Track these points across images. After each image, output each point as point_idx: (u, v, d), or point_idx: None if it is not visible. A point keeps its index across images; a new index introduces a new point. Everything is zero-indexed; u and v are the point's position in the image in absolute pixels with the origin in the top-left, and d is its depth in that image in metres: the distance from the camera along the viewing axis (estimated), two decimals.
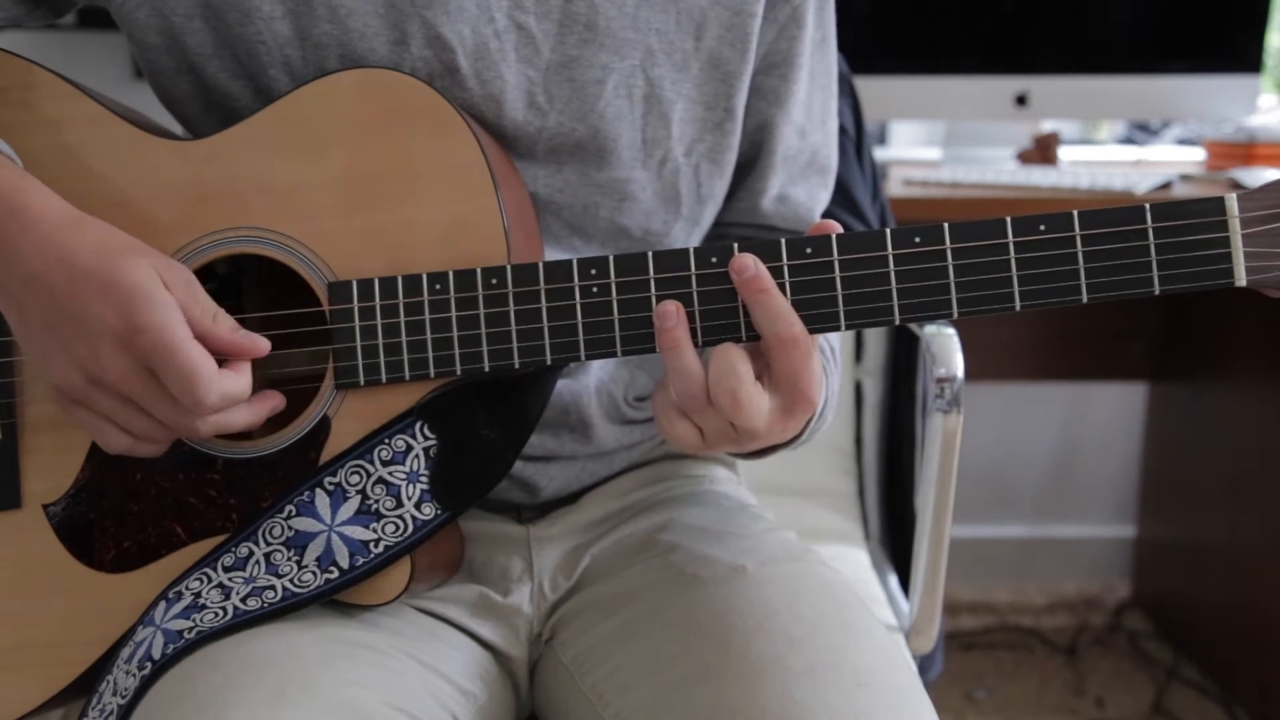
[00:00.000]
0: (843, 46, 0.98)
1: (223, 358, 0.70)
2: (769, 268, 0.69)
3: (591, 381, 0.88)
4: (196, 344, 0.67)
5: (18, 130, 0.77)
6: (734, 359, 0.67)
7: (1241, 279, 0.68)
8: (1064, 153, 1.94)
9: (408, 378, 0.73)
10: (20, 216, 0.69)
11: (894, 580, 1.36)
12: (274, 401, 0.74)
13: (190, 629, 0.71)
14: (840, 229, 0.70)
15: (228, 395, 0.69)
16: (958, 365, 1.11)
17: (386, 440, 0.74)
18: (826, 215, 0.96)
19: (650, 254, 0.71)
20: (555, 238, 0.84)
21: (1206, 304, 1.99)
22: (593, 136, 0.81)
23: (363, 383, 0.73)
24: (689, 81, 0.83)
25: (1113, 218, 0.68)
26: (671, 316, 0.69)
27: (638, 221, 0.85)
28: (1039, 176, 1.68)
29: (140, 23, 0.78)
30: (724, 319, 0.70)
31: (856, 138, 1.40)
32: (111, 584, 0.76)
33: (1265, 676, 1.86)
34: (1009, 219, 0.69)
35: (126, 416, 0.70)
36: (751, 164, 0.90)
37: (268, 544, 0.74)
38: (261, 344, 0.71)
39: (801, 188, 0.92)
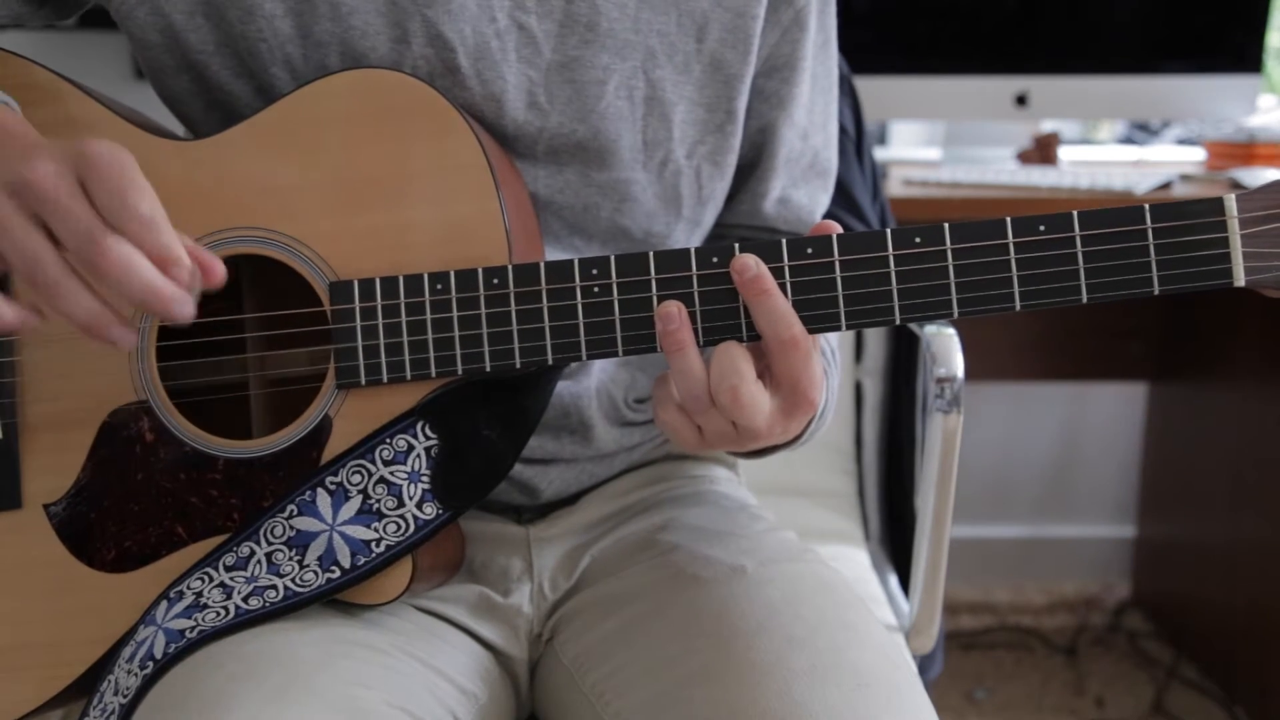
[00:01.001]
0: (843, 46, 0.98)
1: None
2: (770, 268, 0.69)
3: (592, 383, 0.88)
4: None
5: None
6: (736, 357, 0.67)
7: (1240, 279, 0.68)
8: (1064, 153, 1.94)
9: (409, 378, 0.73)
10: None
11: (894, 580, 1.36)
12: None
13: (192, 628, 0.71)
14: (840, 229, 0.71)
15: (157, 218, 0.61)
16: (958, 365, 1.11)
17: (388, 440, 0.74)
18: (827, 216, 0.96)
19: (651, 254, 0.71)
20: (555, 238, 0.84)
21: (1206, 304, 1.99)
22: (593, 137, 0.82)
23: (364, 382, 0.74)
24: (690, 83, 0.83)
25: (1112, 218, 0.68)
26: (675, 318, 0.69)
27: (639, 223, 0.86)
28: (1039, 176, 1.68)
29: (140, 21, 0.78)
30: (725, 319, 0.70)
31: (856, 138, 1.40)
32: (112, 584, 0.76)
33: (1265, 676, 1.86)
34: (1009, 219, 0.69)
35: (25, 233, 0.62)
36: (753, 166, 0.90)
37: (269, 543, 0.74)
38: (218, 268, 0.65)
39: (803, 190, 0.92)
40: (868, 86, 1.50)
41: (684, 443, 0.71)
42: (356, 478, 0.74)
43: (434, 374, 0.73)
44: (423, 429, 0.74)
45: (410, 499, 0.73)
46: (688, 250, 0.70)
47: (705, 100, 0.84)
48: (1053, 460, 2.30)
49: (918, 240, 0.69)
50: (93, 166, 0.60)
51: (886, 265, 0.69)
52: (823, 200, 0.95)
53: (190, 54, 0.79)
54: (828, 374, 0.80)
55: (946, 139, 2.03)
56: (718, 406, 0.68)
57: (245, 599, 0.73)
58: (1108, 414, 2.27)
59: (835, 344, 0.90)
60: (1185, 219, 0.68)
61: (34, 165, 0.60)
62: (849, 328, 0.70)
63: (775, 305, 0.68)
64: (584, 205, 0.84)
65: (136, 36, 0.79)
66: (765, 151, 0.89)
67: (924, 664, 1.25)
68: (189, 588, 0.74)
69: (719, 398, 0.68)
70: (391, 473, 0.73)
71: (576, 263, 0.71)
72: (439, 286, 0.72)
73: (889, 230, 0.69)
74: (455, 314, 0.72)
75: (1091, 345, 2.14)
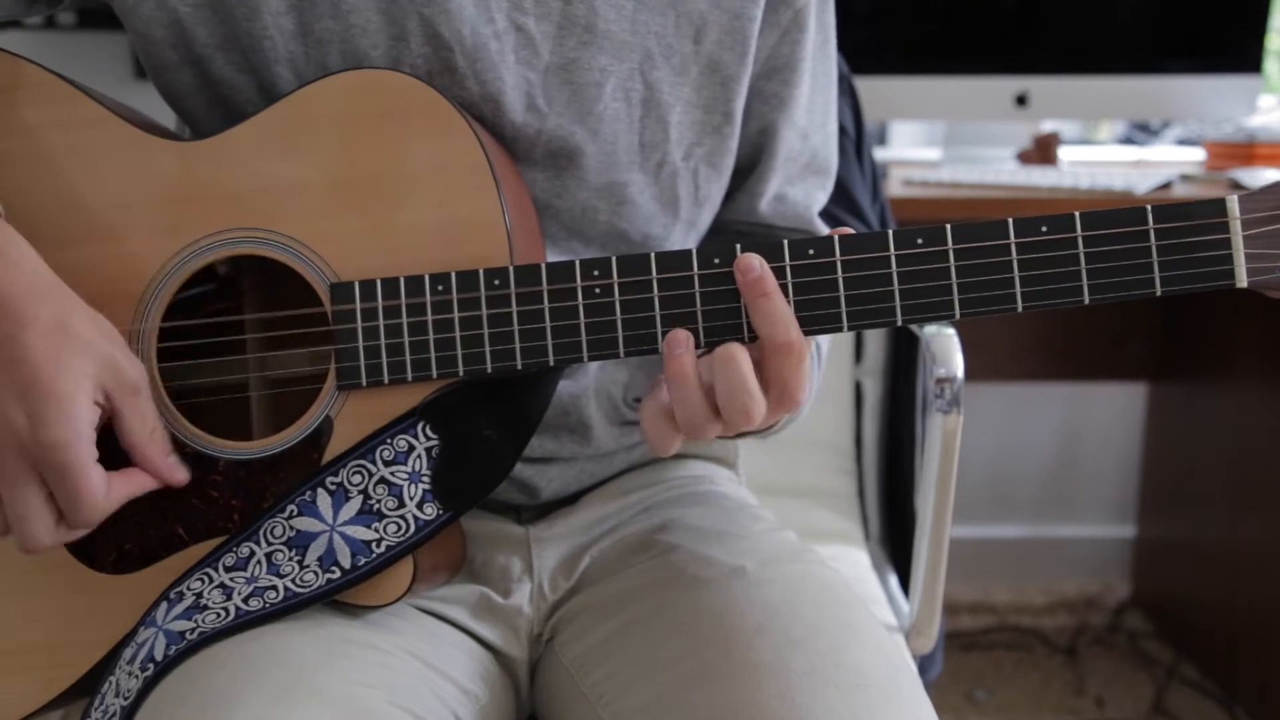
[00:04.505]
0: (843, 46, 0.98)
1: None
2: (771, 268, 0.69)
3: (591, 383, 0.88)
4: (93, 467, 0.68)
5: (17, 132, 0.76)
6: (745, 373, 0.68)
7: (1242, 280, 0.68)
8: (1064, 153, 1.94)
9: (410, 378, 0.73)
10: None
11: (894, 580, 1.36)
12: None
13: (192, 629, 0.71)
14: (851, 231, 0.71)
15: (101, 518, 0.70)
16: (958, 365, 1.11)
17: (389, 440, 0.74)
18: (826, 216, 0.96)
19: (653, 255, 0.71)
20: (554, 241, 0.84)
21: (1207, 304, 1.99)
22: (590, 139, 0.81)
23: (365, 383, 0.73)
24: (688, 85, 0.83)
25: (1114, 219, 0.68)
26: (682, 343, 0.69)
27: (636, 226, 0.85)
28: (1039, 176, 1.68)
29: (145, 16, 0.78)
30: (726, 319, 0.70)
31: (856, 138, 1.40)
32: (113, 585, 0.76)
33: (1265, 676, 1.86)
34: (1011, 220, 0.69)
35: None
36: (752, 166, 0.90)
37: (269, 544, 0.74)
38: (180, 476, 0.73)
39: (799, 187, 0.92)
40: (868, 86, 1.50)
41: (661, 449, 0.72)
42: (357, 478, 0.74)
43: (435, 375, 0.73)
44: (423, 429, 0.74)
45: (411, 499, 0.73)
46: (689, 250, 0.70)
47: (703, 102, 0.84)
48: (1052, 460, 2.30)
49: (919, 241, 0.69)
50: (47, 469, 0.67)
51: (888, 266, 0.69)
52: (819, 197, 0.94)
53: (194, 49, 0.79)
54: (813, 371, 0.81)
55: (946, 139, 2.03)
56: (724, 419, 0.69)
57: (245, 600, 0.72)
58: (1107, 414, 2.27)
59: (824, 343, 0.90)
60: (1187, 220, 0.68)
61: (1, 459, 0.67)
62: (850, 328, 0.70)
63: (775, 308, 0.68)
64: (582, 209, 0.84)
65: (141, 31, 0.79)
66: (765, 152, 0.89)
67: (924, 664, 1.25)
68: (189, 589, 0.74)
69: (729, 414, 0.68)
70: (392, 473, 0.73)
71: (578, 263, 0.71)
72: (440, 287, 0.72)
73: (891, 231, 0.69)
74: (456, 315, 0.72)
75: (1091, 345, 2.15)
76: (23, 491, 0.67)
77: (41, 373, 0.66)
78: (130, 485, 0.71)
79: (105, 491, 0.68)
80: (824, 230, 0.94)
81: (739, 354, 0.68)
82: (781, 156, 0.89)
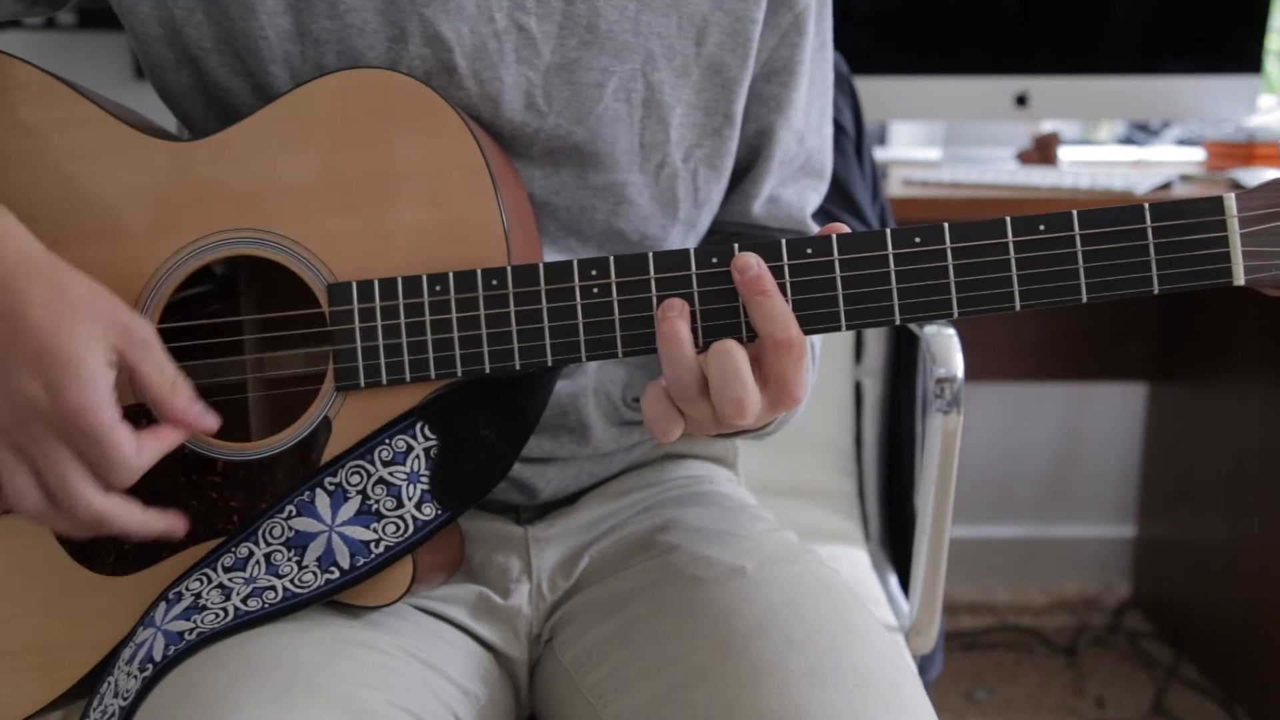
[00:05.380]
0: (843, 46, 0.98)
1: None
2: (770, 267, 0.69)
3: (589, 383, 0.88)
4: (120, 427, 0.67)
5: (13, 133, 0.76)
6: (740, 367, 0.67)
7: (1240, 278, 0.68)
8: (1064, 153, 1.94)
9: (408, 379, 0.73)
10: None
11: (894, 580, 1.36)
12: (174, 523, 0.73)
13: (191, 630, 0.71)
14: (847, 230, 0.71)
15: (136, 477, 0.69)
16: (958, 365, 1.11)
17: (387, 441, 0.74)
18: (827, 216, 0.96)
19: (651, 254, 0.71)
20: (551, 239, 0.84)
21: (1206, 303, 1.99)
22: (591, 140, 0.81)
23: (363, 384, 0.73)
24: (689, 86, 0.83)
25: (1112, 217, 0.68)
26: (674, 306, 0.69)
27: (634, 225, 0.85)
28: (1039, 176, 1.68)
29: (142, 14, 0.78)
30: (725, 319, 0.70)
31: (856, 138, 1.40)
32: (112, 586, 0.76)
33: (1265, 676, 1.86)
34: (1009, 219, 0.69)
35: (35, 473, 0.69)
36: (748, 168, 0.90)
37: (268, 544, 0.74)
38: (211, 422, 0.72)
39: (792, 189, 0.92)
40: (868, 86, 1.50)
41: (661, 433, 0.71)
42: (355, 478, 0.74)
43: (433, 375, 0.73)
44: (422, 430, 0.74)
45: (409, 500, 0.73)
46: (687, 250, 0.70)
47: (703, 103, 0.84)
48: (1052, 460, 2.30)
49: (917, 240, 0.69)
50: (73, 435, 0.66)
51: (886, 265, 0.69)
52: (812, 198, 0.95)
53: (190, 49, 0.79)
54: (810, 369, 0.81)
55: (946, 139, 2.03)
56: (718, 415, 0.68)
57: (244, 600, 0.72)
58: (1107, 414, 2.27)
59: (818, 341, 0.89)
60: (1185, 218, 0.68)
61: (29, 430, 0.67)
62: (849, 328, 0.70)
63: (773, 306, 0.68)
64: (580, 207, 0.84)
65: (138, 30, 0.79)
66: (761, 154, 0.89)
67: (924, 664, 1.25)
68: (188, 589, 0.74)
69: (722, 406, 0.68)
70: (390, 473, 0.73)
71: (576, 263, 0.71)
72: (438, 288, 0.72)
73: (888, 230, 0.69)
74: (454, 315, 0.72)
75: (1091, 345, 2.15)
76: (56, 460, 0.67)
77: (50, 342, 0.66)
78: (161, 441, 0.70)
79: (136, 449, 0.68)
80: (816, 231, 0.93)
81: (734, 348, 0.68)
82: (777, 159, 0.89)
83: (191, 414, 0.71)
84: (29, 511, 0.69)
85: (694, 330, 0.70)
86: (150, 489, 0.76)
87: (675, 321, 0.69)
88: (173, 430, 0.71)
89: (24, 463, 0.68)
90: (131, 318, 0.69)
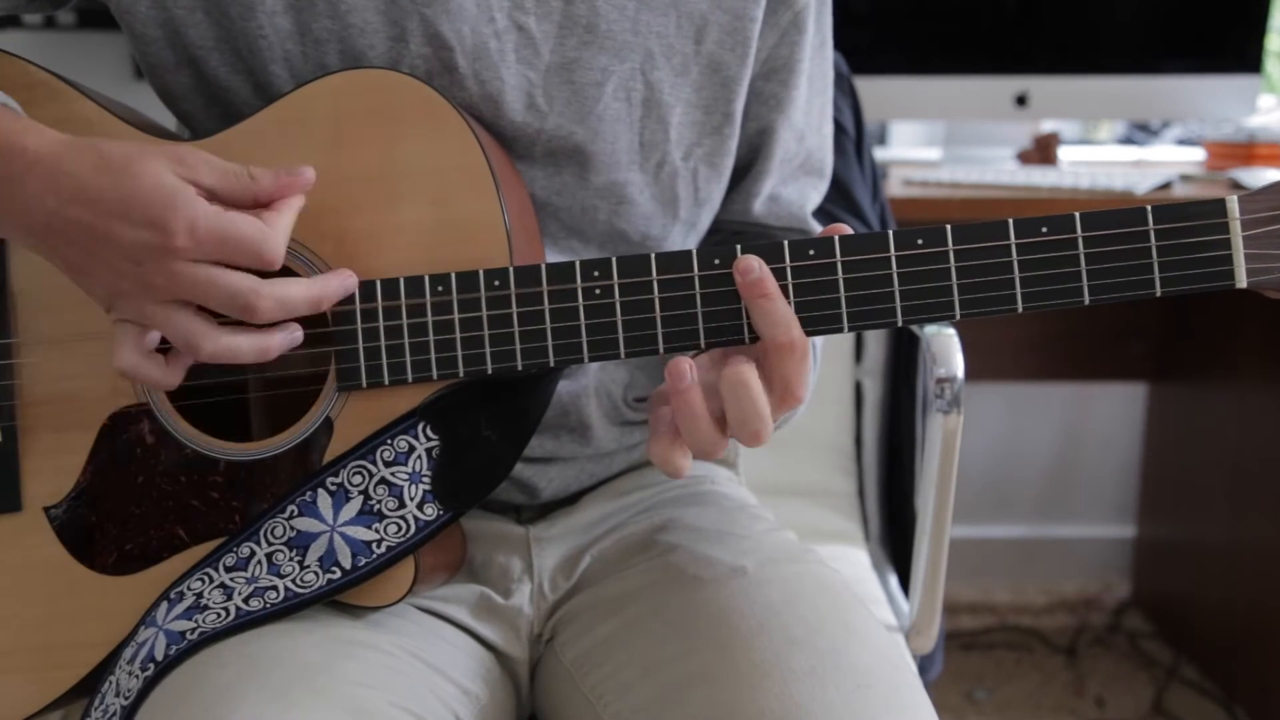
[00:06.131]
0: (843, 46, 0.98)
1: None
2: (772, 268, 0.69)
3: (590, 382, 0.88)
4: (234, 213, 0.66)
5: None
6: (757, 399, 0.67)
7: (1242, 280, 0.68)
8: (1064, 153, 1.94)
9: (410, 379, 0.73)
10: (20, 158, 0.67)
11: (894, 580, 1.36)
12: (288, 336, 0.71)
13: (192, 629, 0.71)
14: (849, 230, 0.71)
15: (281, 245, 0.68)
16: (958, 365, 1.11)
17: (389, 441, 0.74)
18: (827, 216, 0.96)
19: (653, 255, 0.71)
20: (553, 239, 0.84)
21: (1207, 304, 1.99)
22: (591, 139, 0.81)
23: (365, 384, 0.73)
24: (688, 85, 0.83)
25: (1115, 219, 0.68)
26: (685, 377, 0.68)
27: (636, 226, 0.85)
28: (1039, 176, 1.68)
29: (140, 16, 0.78)
30: (727, 320, 0.70)
31: (856, 138, 1.40)
32: (113, 586, 0.76)
33: (1265, 676, 1.86)
34: (1011, 221, 0.69)
35: (180, 320, 0.68)
36: (748, 167, 0.90)
37: (270, 544, 0.74)
38: (307, 172, 0.70)
39: (793, 188, 0.92)
40: (868, 86, 1.50)
41: (672, 471, 0.70)
42: (357, 478, 0.74)
43: (435, 376, 0.73)
44: (424, 430, 0.74)
45: (411, 500, 0.73)
46: (689, 251, 0.70)
47: (703, 102, 0.84)
48: (1053, 460, 2.30)
49: (920, 242, 0.69)
50: (205, 245, 0.66)
51: (889, 267, 0.69)
52: (813, 197, 0.95)
53: (190, 49, 0.79)
54: (811, 368, 0.81)
55: (946, 139, 2.03)
56: (736, 438, 0.69)
57: (246, 600, 0.73)
58: (1108, 414, 2.27)
59: (819, 340, 0.89)
60: (1187, 220, 0.68)
61: (154, 280, 0.66)
62: (851, 329, 0.70)
63: (775, 308, 0.68)
64: (581, 208, 0.84)
65: (136, 31, 0.79)
66: (761, 153, 0.89)
67: (924, 664, 1.25)
68: (189, 588, 0.74)
69: (741, 437, 0.68)
70: (392, 474, 0.73)
71: (578, 264, 0.71)
72: (440, 288, 0.72)
73: (891, 231, 0.69)
74: (456, 316, 0.72)
75: (1091, 345, 2.15)
76: (187, 281, 0.66)
77: (124, 192, 0.65)
78: (280, 214, 0.68)
79: (261, 224, 0.67)
80: (818, 230, 0.94)
81: (749, 376, 0.67)
82: (778, 157, 0.89)
83: (283, 180, 0.69)
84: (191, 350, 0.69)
85: (696, 332, 0.70)
86: (154, 488, 0.76)
87: (690, 394, 0.68)
88: (281, 201, 0.69)
89: (151, 321, 0.68)
90: (172, 144, 0.69)
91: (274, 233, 0.67)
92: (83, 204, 0.66)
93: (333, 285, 0.71)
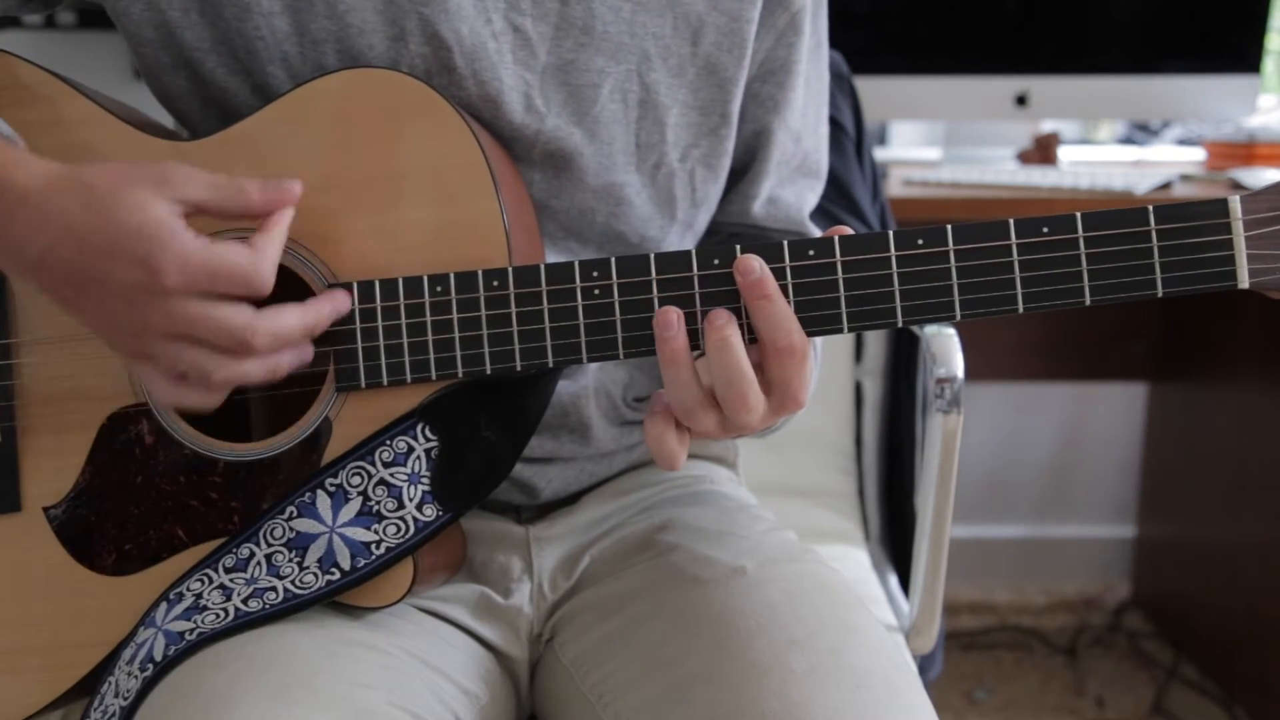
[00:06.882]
0: (843, 46, 0.98)
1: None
2: (771, 269, 0.69)
3: (590, 383, 0.88)
4: (222, 243, 0.66)
5: (15, 130, 0.76)
6: (742, 361, 0.67)
7: (1244, 281, 0.68)
8: (1064, 153, 1.94)
9: (409, 380, 0.73)
10: (8, 195, 0.66)
11: (894, 580, 1.36)
12: (300, 354, 0.72)
13: (192, 630, 0.71)
14: (850, 231, 0.70)
15: (269, 274, 0.68)
16: (958, 365, 1.11)
17: (388, 442, 0.74)
18: (826, 215, 0.96)
19: (652, 256, 0.71)
20: (551, 241, 0.84)
21: (1207, 305, 1.99)
22: (588, 140, 0.81)
23: (364, 385, 0.73)
24: (685, 86, 0.83)
25: (1116, 220, 0.68)
26: (672, 326, 0.68)
27: (633, 227, 0.85)
28: (1039, 176, 1.68)
29: (135, 18, 0.78)
30: None
31: (856, 138, 1.40)
32: (113, 587, 0.76)
33: (1265, 676, 1.86)
34: (1012, 221, 0.69)
35: (185, 354, 0.68)
36: (745, 169, 0.90)
37: (269, 545, 0.74)
38: (294, 186, 0.70)
39: (790, 189, 0.92)
40: (868, 86, 1.50)
41: (663, 457, 0.70)
42: (356, 479, 0.74)
43: (434, 376, 0.73)
44: (423, 430, 0.74)
45: (410, 501, 0.73)
46: (689, 251, 0.70)
47: (699, 103, 0.84)
48: (1053, 460, 2.30)
49: (920, 242, 0.69)
50: (197, 283, 0.65)
51: (889, 267, 0.69)
52: (810, 199, 0.95)
53: (186, 51, 0.79)
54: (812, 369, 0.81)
55: (946, 139, 2.03)
56: (723, 407, 0.68)
57: (245, 600, 0.72)
58: (1108, 414, 2.27)
59: (819, 341, 0.89)
60: (1189, 220, 0.68)
61: (145, 316, 0.66)
62: (851, 329, 0.70)
63: (776, 311, 0.68)
64: (579, 209, 0.84)
65: (132, 33, 0.79)
66: (759, 155, 0.89)
67: (924, 664, 1.25)
68: (189, 589, 0.74)
69: (727, 400, 0.68)
70: (391, 474, 0.73)
71: (577, 264, 0.71)
72: (439, 288, 0.72)
73: (891, 232, 0.69)
74: (455, 316, 0.72)
75: (1092, 345, 2.15)
76: (181, 319, 0.66)
77: (112, 230, 0.65)
78: (269, 233, 0.68)
79: (251, 252, 0.67)
80: (815, 232, 0.94)
81: (732, 337, 0.68)
82: (775, 159, 0.89)
83: (269, 192, 0.69)
84: (185, 392, 0.69)
85: (694, 333, 0.70)
86: (153, 488, 0.76)
87: (675, 344, 0.68)
88: (269, 220, 0.69)
89: (159, 359, 0.68)
90: (156, 165, 0.68)
91: (263, 260, 0.67)
92: (73, 244, 0.65)
93: (325, 310, 0.71)
